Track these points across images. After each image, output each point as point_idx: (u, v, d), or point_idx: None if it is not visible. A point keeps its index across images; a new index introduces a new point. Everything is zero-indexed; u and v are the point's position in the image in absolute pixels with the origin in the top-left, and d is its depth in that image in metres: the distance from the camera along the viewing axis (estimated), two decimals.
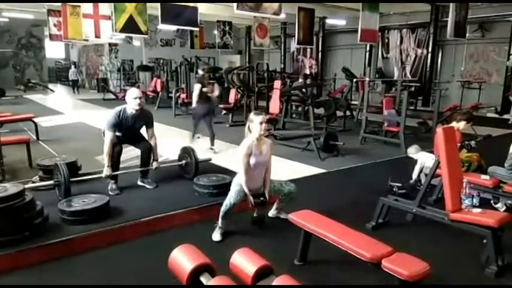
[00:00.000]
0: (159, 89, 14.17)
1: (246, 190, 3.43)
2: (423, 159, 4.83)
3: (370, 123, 8.69)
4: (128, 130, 4.26)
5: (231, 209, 3.47)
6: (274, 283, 1.94)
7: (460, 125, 4.51)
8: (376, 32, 11.51)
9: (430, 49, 13.92)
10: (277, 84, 9.42)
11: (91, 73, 22.98)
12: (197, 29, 11.65)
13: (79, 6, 11.59)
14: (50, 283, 2.80)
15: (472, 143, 4.19)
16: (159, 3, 8.54)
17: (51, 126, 9.25)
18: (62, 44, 22.55)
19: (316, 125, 8.72)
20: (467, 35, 11.45)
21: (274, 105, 9.11)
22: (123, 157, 4.45)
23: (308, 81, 11.50)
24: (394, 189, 4.63)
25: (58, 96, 18.71)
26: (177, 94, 12.75)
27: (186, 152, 4.83)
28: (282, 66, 18.58)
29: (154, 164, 4.44)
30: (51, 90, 20.61)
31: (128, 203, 3.89)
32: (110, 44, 19.21)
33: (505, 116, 11.81)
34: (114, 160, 4.23)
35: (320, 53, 17.60)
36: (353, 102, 12.60)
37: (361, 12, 10.70)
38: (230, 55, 19.76)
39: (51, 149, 6.69)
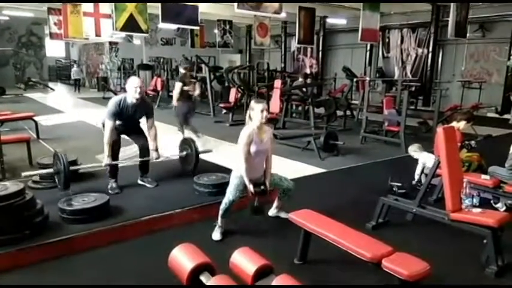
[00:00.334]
0: (159, 88, 14.16)
1: (246, 179, 3.39)
2: (424, 160, 4.83)
3: (370, 123, 8.69)
4: (128, 119, 4.22)
5: (231, 206, 3.47)
6: (274, 282, 1.94)
7: (460, 125, 4.51)
8: (377, 31, 11.51)
9: (430, 49, 13.91)
10: (278, 83, 9.42)
11: (91, 72, 22.97)
12: (198, 28, 11.65)
13: (79, 4, 11.57)
14: (50, 282, 2.80)
15: (472, 142, 4.19)
16: (159, 2, 8.54)
17: (52, 124, 9.24)
18: (63, 42, 22.47)
19: (316, 124, 8.72)
20: (467, 34, 11.45)
21: (275, 105, 9.10)
22: (121, 155, 4.44)
23: (308, 80, 11.50)
24: (394, 188, 4.63)
25: (58, 95, 18.72)
26: None
27: (187, 143, 4.83)
28: (283, 65, 18.57)
29: (155, 155, 4.41)
30: (51, 88, 20.60)
31: (128, 202, 3.89)
32: (110, 43, 19.21)
33: (506, 116, 11.81)
34: (114, 157, 4.23)
35: (320, 53, 17.58)
36: (353, 102, 12.60)
37: (362, 11, 10.70)
38: (230, 54, 19.75)
39: (52, 148, 6.68)
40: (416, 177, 4.87)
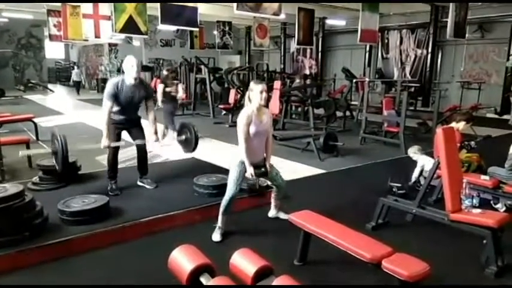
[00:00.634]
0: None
1: (247, 161, 3.36)
2: (423, 162, 4.84)
3: (369, 124, 8.69)
4: (128, 103, 4.13)
5: (232, 202, 3.46)
6: (274, 283, 1.94)
7: (459, 126, 4.52)
8: (376, 32, 11.52)
9: (429, 49, 13.94)
10: (277, 84, 9.42)
11: (91, 73, 22.99)
12: (197, 29, 11.67)
13: (79, 6, 11.59)
14: (49, 283, 2.79)
15: (472, 143, 4.20)
16: (158, 4, 8.55)
17: (51, 126, 9.24)
18: (62, 44, 22.54)
19: (315, 125, 8.72)
20: (466, 35, 11.47)
21: (274, 106, 9.10)
22: (120, 157, 4.44)
23: (308, 81, 11.50)
24: (394, 189, 4.63)
25: (58, 97, 18.71)
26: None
27: (186, 127, 4.84)
28: (282, 66, 18.59)
29: (154, 137, 4.42)
30: (50, 90, 20.61)
31: (127, 203, 3.89)
32: (110, 44, 19.23)
33: (505, 117, 11.82)
34: (113, 163, 4.24)
35: (320, 54, 17.61)
36: (353, 103, 12.61)
37: (361, 12, 10.71)
38: (230, 55, 19.77)
39: (51, 150, 6.68)
40: (413, 178, 4.88)
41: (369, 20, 10.93)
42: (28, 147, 5.83)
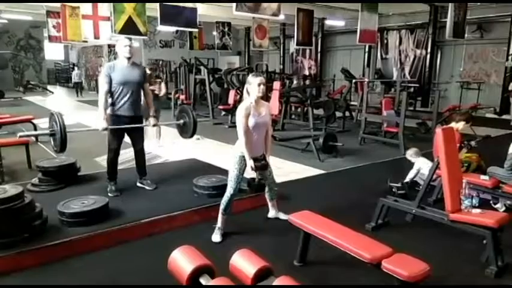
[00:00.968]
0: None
1: (247, 154, 3.34)
2: (420, 165, 4.84)
3: (369, 124, 8.70)
4: (125, 83, 4.06)
5: (231, 202, 3.47)
6: (274, 284, 1.94)
7: (459, 126, 4.51)
8: (375, 32, 11.54)
9: (429, 50, 13.94)
10: (277, 85, 9.43)
11: (90, 74, 22.98)
12: (196, 30, 11.69)
13: (78, 7, 11.59)
14: (49, 284, 2.79)
15: (472, 142, 4.20)
16: (158, 4, 8.55)
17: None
18: (61, 45, 22.53)
19: (315, 126, 8.72)
20: (466, 35, 11.48)
21: (274, 107, 9.10)
22: (120, 158, 4.43)
23: (307, 82, 11.51)
24: (394, 189, 4.63)
25: (57, 98, 18.71)
26: (177, 95, 12.74)
27: (184, 111, 4.86)
28: (281, 67, 18.59)
29: (152, 121, 4.44)
30: (50, 91, 20.61)
31: (127, 205, 3.88)
32: (109, 45, 19.22)
33: (504, 117, 11.82)
34: (113, 164, 4.24)
35: (319, 54, 17.61)
36: (352, 103, 12.61)
37: (360, 13, 10.73)
38: (229, 56, 19.77)
39: (50, 151, 6.68)
40: (407, 179, 4.87)
41: (368, 20, 10.95)
42: (27, 149, 5.82)
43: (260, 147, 3.50)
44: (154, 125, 4.49)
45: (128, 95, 4.10)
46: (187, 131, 4.80)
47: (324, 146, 6.71)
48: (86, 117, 11.01)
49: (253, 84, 3.33)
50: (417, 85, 14.08)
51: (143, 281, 2.84)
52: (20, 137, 3.94)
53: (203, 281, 1.98)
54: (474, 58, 13.64)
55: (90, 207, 3.45)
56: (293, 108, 11.32)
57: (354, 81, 12.69)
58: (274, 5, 8.91)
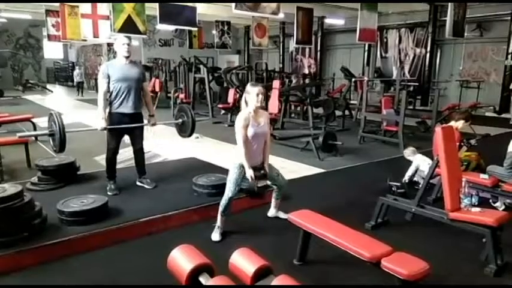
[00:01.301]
0: (157, 89, 14.13)
1: (246, 164, 3.35)
2: (418, 162, 4.84)
3: (368, 123, 8.70)
4: (126, 78, 4.06)
5: (231, 203, 3.46)
6: (273, 283, 1.94)
7: (458, 124, 4.52)
8: (375, 31, 11.52)
9: (428, 48, 13.94)
10: (276, 84, 9.42)
11: (89, 73, 22.96)
12: (196, 29, 11.66)
13: (77, 6, 11.57)
14: (48, 284, 2.79)
15: (472, 141, 4.20)
16: (157, 3, 8.53)
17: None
18: (60, 44, 22.50)
19: (315, 124, 8.72)
20: (465, 34, 11.48)
21: (273, 105, 9.10)
22: (119, 157, 4.44)
23: (307, 80, 11.50)
24: (393, 188, 4.63)
25: (57, 97, 18.69)
26: (176, 94, 12.73)
27: (183, 110, 4.88)
28: (281, 65, 18.58)
29: (152, 120, 4.44)
30: (49, 90, 20.59)
31: (126, 203, 3.88)
32: (109, 44, 19.18)
33: (504, 115, 11.82)
34: (112, 163, 4.24)
35: (319, 53, 17.60)
36: (352, 102, 12.61)
37: (360, 11, 10.71)
38: (229, 55, 19.76)
39: (50, 150, 6.68)
40: (406, 177, 4.88)
41: (367, 19, 10.94)
42: (27, 148, 5.82)
43: (259, 156, 3.51)
44: (153, 125, 4.49)
45: (127, 92, 4.08)
46: (185, 130, 4.82)
47: (324, 145, 6.71)
48: (85, 116, 11.00)
49: (252, 94, 3.33)
50: (417, 84, 14.08)
51: (143, 280, 2.84)
52: (20, 137, 3.93)
53: (203, 280, 1.98)
54: (474, 57, 13.64)
55: (89, 206, 3.45)
56: (293, 107, 11.32)
57: (353, 80, 12.69)
58: (274, 4, 8.90)
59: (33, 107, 13.28)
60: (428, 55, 13.99)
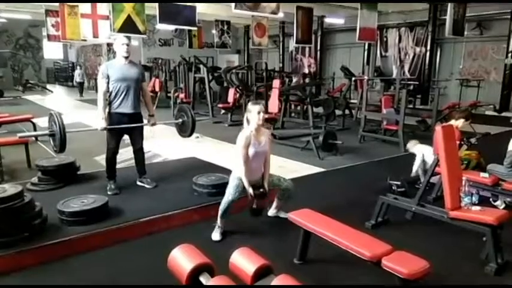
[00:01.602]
0: (157, 89, 14.14)
1: (246, 182, 3.39)
2: (422, 152, 4.81)
3: (368, 122, 8.70)
4: (125, 78, 4.06)
5: (230, 207, 3.46)
6: (274, 282, 1.93)
7: (458, 123, 4.51)
8: (375, 30, 11.51)
9: (428, 47, 13.92)
10: (276, 83, 9.42)
11: (89, 73, 22.95)
12: (195, 28, 11.63)
13: (77, 6, 11.55)
14: (49, 284, 2.79)
15: (472, 140, 4.19)
16: (157, 3, 8.53)
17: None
18: (60, 44, 22.49)
19: (315, 124, 8.72)
20: (465, 33, 11.46)
21: (273, 105, 9.10)
22: (119, 157, 4.43)
23: (307, 80, 11.49)
24: (393, 187, 4.63)
25: (57, 97, 18.69)
26: (176, 94, 12.72)
27: (183, 110, 4.89)
28: (281, 65, 18.57)
29: (152, 120, 4.45)
30: (49, 90, 20.58)
31: (127, 203, 3.88)
32: (108, 44, 19.18)
33: (504, 114, 11.81)
34: (112, 162, 4.24)
35: (319, 52, 17.58)
36: (352, 101, 12.60)
37: (360, 10, 10.71)
38: (229, 54, 19.75)
39: (50, 150, 6.68)
40: (414, 170, 4.86)
41: (367, 18, 10.93)
42: (27, 148, 5.82)
43: (259, 172, 3.55)
44: (153, 125, 4.49)
45: (126, 92, 4.08)
46: (186, 130, 4.83)
47: (324, 144, 6.71)
48: (86, 116, 11.00)
49: (253, 112, 3.38)
50: (417, 83, 14.07)
51: (143, 280, 2.84)
52: (20, 137, 3.94)
53: (203, 279, 1.98)
54: (474, 55, 13.63)
55: (89, 206, 3.45)
56: (293, 107, 11.31)
57: (353, 79, 12.67)
58: (273, 4, 8.89)
59: (33, 107, 13.28)
60: (428, 54, 13.97)
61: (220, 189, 3.94)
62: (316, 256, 3.09)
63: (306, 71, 17.77)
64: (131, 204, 3.89)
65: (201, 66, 12.95)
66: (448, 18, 10.42)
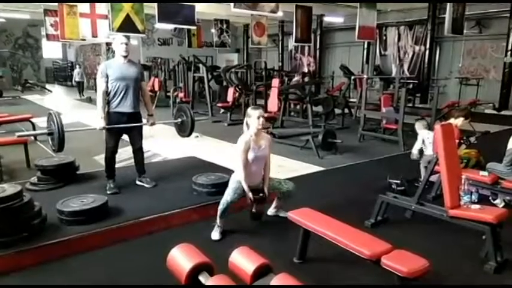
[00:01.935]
0: (156, 88, 14.13)
1: (245, 186, 3.40)
2: (423, 136, 4.81)
3: (368, 121, 8.70)
4: (124, 77, 4.06)
5: (229, 207, 3.46)
6: (273, 282, 1.93)
7: (458, 122, 4.51)
8: (374, 29, 11.51)
9: (427, 46, 13.90)
10: (275, 82, 9.41)
11: (89, 73, 22.92)
12: (194, 27, 11.60)
13: (76, 5, 11.53)
14: (48, 284, 2.79)
15: (472, 138, 4.19)
16: (155, 2, 8.52)
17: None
18: (59, 44, 22.48)
19: (314, 123, 8.71)
20: (464, 31, 11.44)
21: (273, 104, 9.10)
22: (118, 157, 4.43)
23: (306, 79, 11.48)
24: (393, 186, 4.63)
25: (56, 97, 18.67)
26: (175, 93, 12.72)
27: (182, 110, 4.92)
28: (280, 64, 18.56)
29: (151, 120, 4.44)
30: (48, 90, 20.56)
31: (126, 203, 3.88)
32: (107, 44, 19.15)
33: (503, 112, 11.81)
34: (111, 162, 4.24)
35: (318, 51, 17.57)
36: (351, 100, 12.60)
37: (359, 9, 10.70)
38: (228, 54, 19.72)
39: (49, 150, 6.67)
40: (414, 151, 4.85)
41: (366, 17, 10.92)
42: (26, 148, 5.81)
43: (258, 176, 3.56)
44: (152, 124, 4.48)
45: (125, 92, 4.08)
46: (185, 129, 4.84)
47: (323, 143, 6.71)
48: (84, 115, 10.99)
49: (253, 117, 3.39)
50: (416, 81, 14.05)
51: (143, 279, 2.84)
52: (19, 136, 3.93)
53: (202, 278, 1.98)
54: (473, 54, 13.62)
55: (89, 206, 3.45)
56: (292, 106, 11.31)
57: (352, 77, 12.67)
58: (273, 2, 8.88)
59: (33, 107, 13.26)
60: (427, 52, 13.95)
61: (219, 188, 3.94)
62: (315, 255, 3.09)
63: (306, 70, 17.76)
64: (130, 203, 3.89)
65: (200, 65, 12.94)
66: (448, 16, 10.41)
